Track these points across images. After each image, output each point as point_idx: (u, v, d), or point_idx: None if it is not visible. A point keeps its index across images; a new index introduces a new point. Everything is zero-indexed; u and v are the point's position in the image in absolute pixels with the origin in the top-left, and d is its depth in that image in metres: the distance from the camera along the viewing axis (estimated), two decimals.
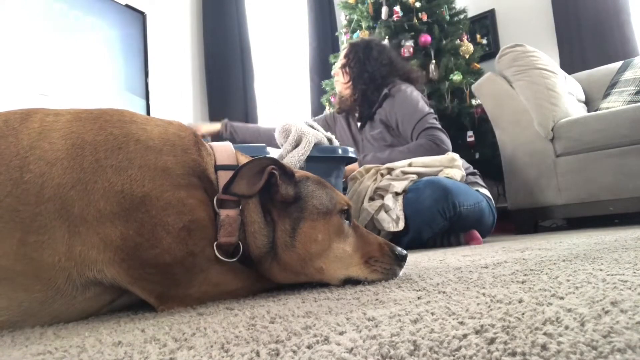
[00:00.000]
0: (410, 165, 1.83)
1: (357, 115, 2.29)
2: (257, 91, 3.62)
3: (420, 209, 1.69)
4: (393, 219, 1.69)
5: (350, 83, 2.25)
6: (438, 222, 1.70)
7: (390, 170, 1.86)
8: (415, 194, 1.72)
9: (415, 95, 2.13)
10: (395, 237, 1.72)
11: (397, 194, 1.75)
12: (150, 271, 0.64)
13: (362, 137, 2.26)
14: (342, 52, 2.37)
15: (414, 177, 1.79)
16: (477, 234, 1.80)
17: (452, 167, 1.85)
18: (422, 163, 1.84)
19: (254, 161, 0.71)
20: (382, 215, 1.72)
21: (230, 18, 3.51)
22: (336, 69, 2.37)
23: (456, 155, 1.89)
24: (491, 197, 1.99)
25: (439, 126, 2.04)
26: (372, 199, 1.82)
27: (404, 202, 1.73)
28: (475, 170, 2.08)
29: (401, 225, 1.68)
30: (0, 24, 1.96)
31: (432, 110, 2.10)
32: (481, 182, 2.03)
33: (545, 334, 0.35)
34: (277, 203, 0.73)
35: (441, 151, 1.95)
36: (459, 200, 1.72)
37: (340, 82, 2.32)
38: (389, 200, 1.73)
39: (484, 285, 0.62)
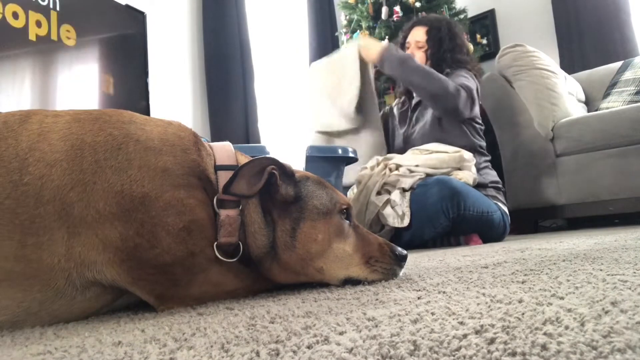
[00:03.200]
0: (417, 165, 1.83)
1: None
2: (257, 91, 3.62)
3: (425, 204, 1.69)
4: (399, 214, 1.70)
5: (429, 61, 2.16)
6: (441, 221, 1.69)
7: (398, 167, 1.86)
8: (423, 189, 1.73)
9: (470, 79, 2.05)
10: (397, 232, 1.72)
11: (404, 190, 1.75)
12: (150, 271, 0.64)
13: (414, 115, 2.19)
14: (422, 31, 2.20)
15: (423, 175, 1.79)
16: (478, 237, 1.79)
17: (462, 169, 1.82)
18: (429, 165, 1.82)
19: (254, 161, 0.71)
20: (388, 210, 1.72)
21: (230, 18, 3.51)
22: (413, 48, 2.22)
23: (467, 155, 1.85)
24: (508, 214, 1.94)
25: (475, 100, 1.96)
26: (379, 193, 1.82)
27: (411, 198, 1.73)
28: (501, 187, 2.03)
29: (406, 221, 1.68)
30: None
31: (477, 105, 2.03)
32: (502, 199, 1.96)
33: (545, 334, 0.35)
34: (277, 203, 0.73)
35: (456, 99, 1.88)
36: (465, 203, 1.70)
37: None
38: (396, 195, 1.73)
39: (484, 285, 0.62)
